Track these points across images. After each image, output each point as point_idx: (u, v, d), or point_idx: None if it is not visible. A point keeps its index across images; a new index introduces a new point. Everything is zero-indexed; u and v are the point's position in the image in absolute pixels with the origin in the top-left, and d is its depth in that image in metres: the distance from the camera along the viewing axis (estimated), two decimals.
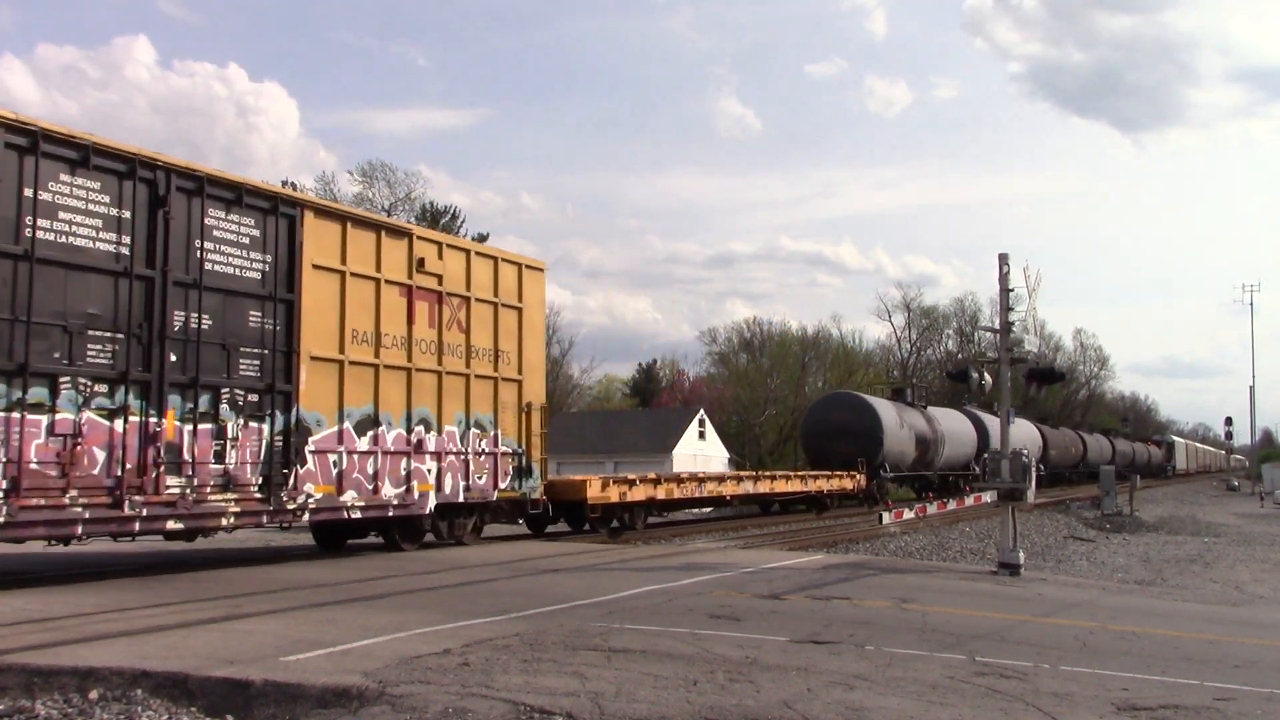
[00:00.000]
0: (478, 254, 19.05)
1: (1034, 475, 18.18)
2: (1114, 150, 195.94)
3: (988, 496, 21.47)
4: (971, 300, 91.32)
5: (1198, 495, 62.86)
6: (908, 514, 23.18)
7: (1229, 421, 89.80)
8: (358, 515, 15.84)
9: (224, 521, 13.86)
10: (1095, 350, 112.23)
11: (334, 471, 15.42)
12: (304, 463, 14.88)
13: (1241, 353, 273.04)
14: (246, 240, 14.39)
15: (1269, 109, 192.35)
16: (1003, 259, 17.76)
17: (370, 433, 16.01)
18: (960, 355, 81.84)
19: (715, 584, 13.52)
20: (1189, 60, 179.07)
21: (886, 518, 22.60)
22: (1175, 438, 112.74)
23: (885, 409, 38.65)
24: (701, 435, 65.52)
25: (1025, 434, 52.15)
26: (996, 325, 18.55)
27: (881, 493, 36.47)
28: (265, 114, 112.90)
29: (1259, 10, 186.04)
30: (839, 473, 34.31)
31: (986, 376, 19.72)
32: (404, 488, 16.61)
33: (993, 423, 46.60)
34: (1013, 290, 17.78)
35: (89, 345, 12.35)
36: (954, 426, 45.34)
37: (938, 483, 44.22)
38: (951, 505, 25.11)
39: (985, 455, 18.18)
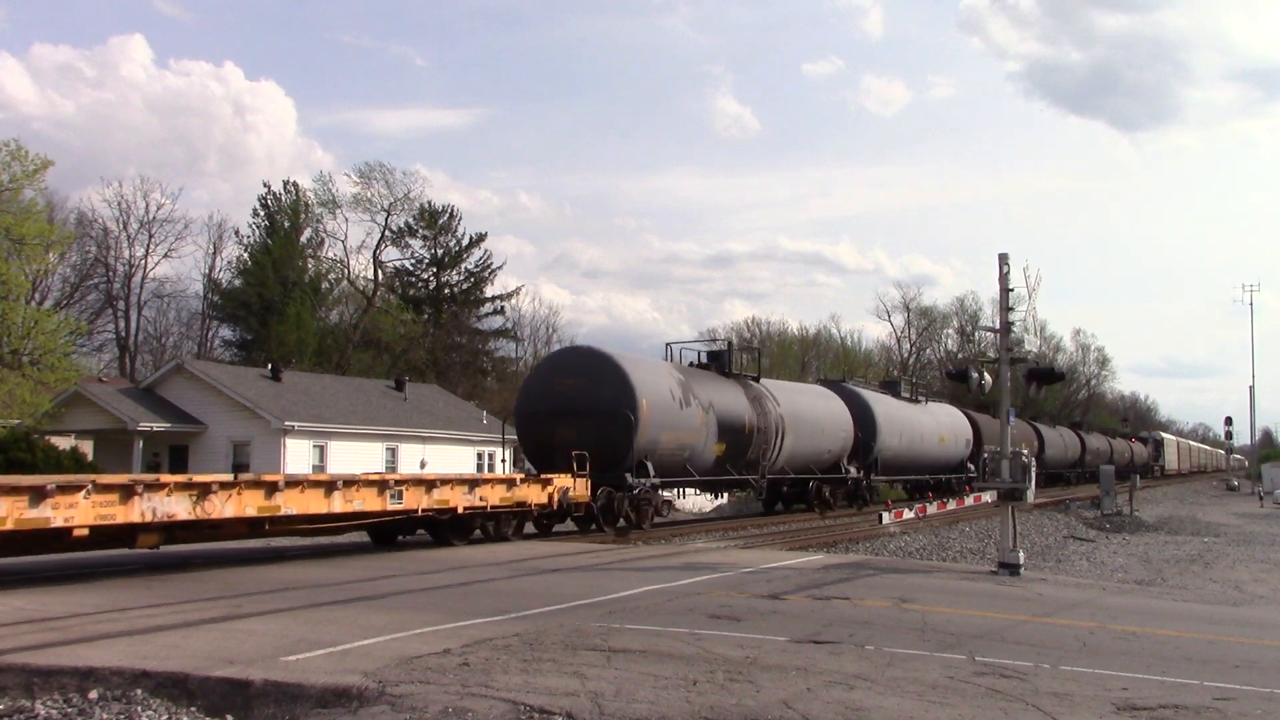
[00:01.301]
0: None
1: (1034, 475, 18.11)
2: (1112, 150, 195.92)
3: (988, 496, 21.48)
4: (973, 299, 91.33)
5: (1198, 495, 62.87)
6: (908, 514, 23.21)
7: (1229, 421, 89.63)
8: None
9: None
10: (1097, 351, 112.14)
11: None
12: None
13: (1241, 353, 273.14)
14: None
15: (1267, 108, 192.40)
16: (1003, 259, 17.76)
17: None
18: (960, 355, 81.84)
19: (715, 584, 13.53)
20: (1186, 59, 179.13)
21: (886, 518, 22.63)
22: (1164, 434, 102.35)
23: (649, 373, 23.79)
24: None
25: (948, 424, 42.26)
26: (996, 325, 18.55)
27: (641, 511, 22.58)
28: (262, 113, 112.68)
29: (1254, 9, 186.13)
30: (512, 476, 20.22)
31: (986, 376, 19.72)
32: None
33: (884, 405, 36.15)
34: (1013, 290, 17.77)
35: None
36: (812, 409, 30.70)
37: (773, 491, 30.66)
38: (951, 505, 25.13)
39: (985, 455, 18.07)
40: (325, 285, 67.71)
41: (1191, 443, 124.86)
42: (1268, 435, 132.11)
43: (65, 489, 11.98)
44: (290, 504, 14.75)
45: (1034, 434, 56.07)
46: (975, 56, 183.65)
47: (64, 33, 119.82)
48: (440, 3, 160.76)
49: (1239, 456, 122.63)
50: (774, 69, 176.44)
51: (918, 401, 41.27)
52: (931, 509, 24.20)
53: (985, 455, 17.99)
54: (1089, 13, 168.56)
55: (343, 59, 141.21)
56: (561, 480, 20.21)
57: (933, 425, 40.70)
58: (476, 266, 74.49)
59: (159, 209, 62.88)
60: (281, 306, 59.07)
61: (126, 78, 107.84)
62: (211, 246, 66.30)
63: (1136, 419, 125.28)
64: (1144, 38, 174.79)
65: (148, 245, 62.15)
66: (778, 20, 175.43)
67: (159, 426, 35.42)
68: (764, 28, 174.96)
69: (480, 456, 44.56)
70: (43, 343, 30.66)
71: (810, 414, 30.79)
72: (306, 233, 67.03)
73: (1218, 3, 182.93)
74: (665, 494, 24.40)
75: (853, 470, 33.16)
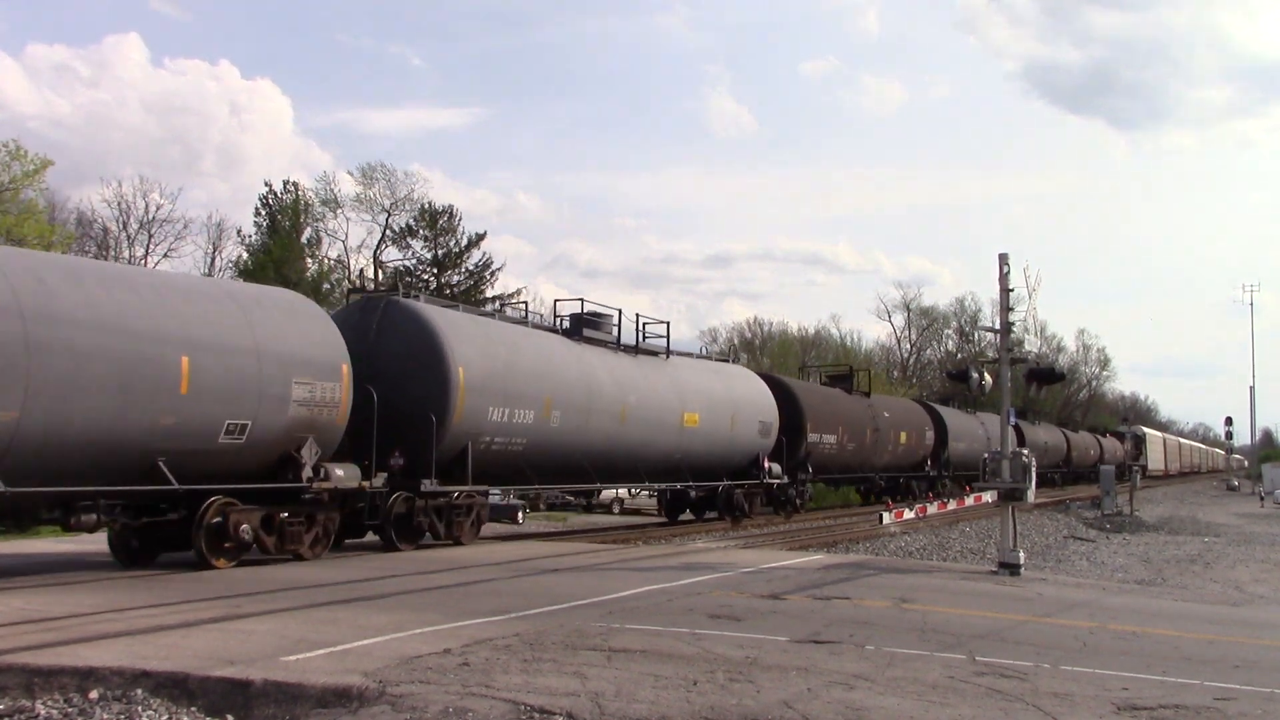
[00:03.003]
0: None
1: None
2: (1111, 149, 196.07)
3: (988, 496, 21.47)
4: (972, 300, 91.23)
5: (1198, 496, 62.88)
6: (908, 514, 23.21)
7: (1229, 421, 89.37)
8: None
9: None
10: (1099, 351, 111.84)
11: None
12: None
13: (1241, 353, 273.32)
14: None
15: (1265, 108, 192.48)
16: (1003, 259, 17.74)
17: None
18: (960, 355, 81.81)
19: (715, 584, 13.52)
20: (1183, 58, 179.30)
21: (887, 518, 22.63)
22: (1146, 429, 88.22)
23: None
24: None
25: (718, 396, 25.70)
26: (997, 325, 18.54)
27: None
28: (258, 112, 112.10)
29: (1252, 8, 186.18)
30: None
31: (987, 377, 19.72)
32: None
33: (519, 344, 19.47)
34: (1012, 290, 17.76)
35: None
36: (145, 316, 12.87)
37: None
38: (952, 505, 25.11)
39: (986, 455, 18.03)
40: (326, 285, 67.74)
41: (1182, 440, 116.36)
42: (1268, 435, 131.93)
43: None
44: None
45: (929, 420, 39.98)
46: (972, 56, 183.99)
47: (59, 32, 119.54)
48: (437, 2, 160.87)
49: (1239, 456, 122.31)
50: (771, 68, 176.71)
51: (650, 354, 24.13)
52: (932, 509, 24.20)
53: (986, 455, 17.93)
54: (1086, 11, 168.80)
55: (339, 58, 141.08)
56: None
57: (669, 395, 23.61)
58: (477, 267, 74.60)
59: (158, 209, 62.88)
60: None
61: (122, 77, 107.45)
62: (211, 246, 66.34)
63: (1136, 419, 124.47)
64: (1141, 37, 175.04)
65: (148, 245, 62.05)
66: (774, 20, 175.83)
67: None
68: (760, 27, 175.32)
69: None
70: None
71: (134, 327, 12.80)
72: (307, 232, 67.07)
73: (1215, 1, 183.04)
74: None
75: (330, 472, 15.28)
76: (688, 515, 28.58)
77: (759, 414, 27.49)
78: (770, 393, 28.59)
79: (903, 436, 37.38)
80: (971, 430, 44.13)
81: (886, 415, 36.52)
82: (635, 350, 23.96)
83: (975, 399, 50.56)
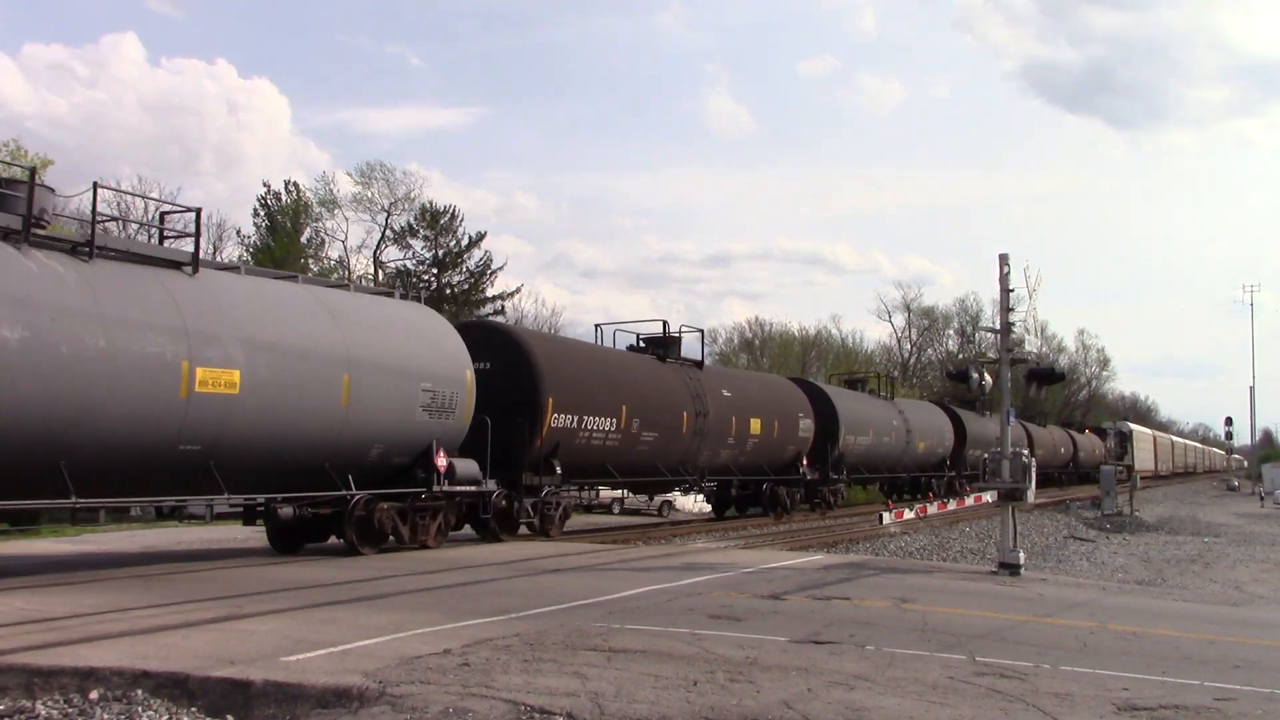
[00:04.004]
0: None
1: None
2: (1110, 149, 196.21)
3: (988, 496, 21.49)
4: (973, 300, 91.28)
5: (1198, 496, 62.90)
6: (908, 514, 23.22)
7: (1229, 421, 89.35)
8: None
9: None
10: (1098, 351, 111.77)
11: None
12: None
13: (1241, 353, 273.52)
14: None
15: (1264, 108, 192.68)
16: (1003, 259, 17.74)
17: None
18: (961, 355, 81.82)
19: (715, 584, 13.53)
20: (1182, 58, 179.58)
21: (887, 518, 22.64)
22: (1133, 426, 71.95)
23: None
24: None
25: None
26: (997, 326, 18.54)
27: None
28: (256, 111, 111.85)
29: (1251, 8, 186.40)
30: None
31: (987, 377, 19.72)
32: None
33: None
34: (1013, 291, 17.76)
35: None
36: None
37: None
38: (952, 505, 25.13)
39: (986, 455, 18.05)
40: None
41: (1175, 438, 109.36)
42: (1268, 435, 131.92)
43: None
44: None
45: (806, 405, 29.96)
46: (971, 55, 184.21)
47: (56, 32, 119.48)
48: (437, 2, 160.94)
49: (1238, 457, 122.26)
50: (770, 68, 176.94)
51: (154, 263, 13.72)
52: (932, 509, 24.21)
53: (986, 455, 17.93)
54: (1084, 11, 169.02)
55: (338, 58, 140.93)
56: None
57: (160, 337, 12.88)
58: (477, 266, 74.60)
59: (158, 209, 62.83)
60: None
61: (120, 77, 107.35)
62: (211, 246, 66.29)
63: (1136, 419, 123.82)
64: (1140, 36, 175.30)
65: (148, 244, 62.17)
66: (772, 19, 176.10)
67: None
68: (759, 27, 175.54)
69: None
70: None
71: None
72: (307, 232, 67.06)
73: (1213, 1, 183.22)
74: None
75: None
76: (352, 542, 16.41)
77: (425, 378, 16.84)
78: (460, 345, 17.96)
79: (755, 425, 26.85)
80: (883, 420, 33.95)
81: (726, 395, 25.92)
82: (88, 249, 12.86)
83: (864, 382, 40.19)
